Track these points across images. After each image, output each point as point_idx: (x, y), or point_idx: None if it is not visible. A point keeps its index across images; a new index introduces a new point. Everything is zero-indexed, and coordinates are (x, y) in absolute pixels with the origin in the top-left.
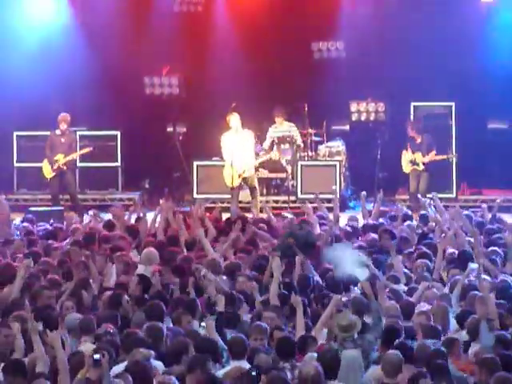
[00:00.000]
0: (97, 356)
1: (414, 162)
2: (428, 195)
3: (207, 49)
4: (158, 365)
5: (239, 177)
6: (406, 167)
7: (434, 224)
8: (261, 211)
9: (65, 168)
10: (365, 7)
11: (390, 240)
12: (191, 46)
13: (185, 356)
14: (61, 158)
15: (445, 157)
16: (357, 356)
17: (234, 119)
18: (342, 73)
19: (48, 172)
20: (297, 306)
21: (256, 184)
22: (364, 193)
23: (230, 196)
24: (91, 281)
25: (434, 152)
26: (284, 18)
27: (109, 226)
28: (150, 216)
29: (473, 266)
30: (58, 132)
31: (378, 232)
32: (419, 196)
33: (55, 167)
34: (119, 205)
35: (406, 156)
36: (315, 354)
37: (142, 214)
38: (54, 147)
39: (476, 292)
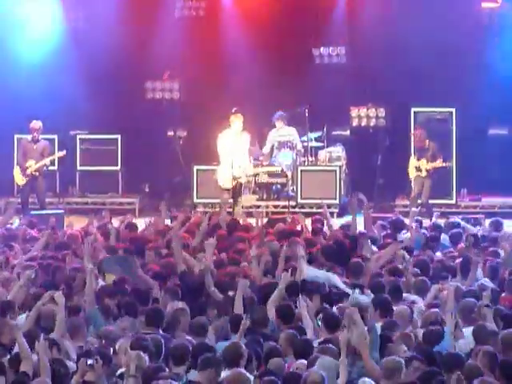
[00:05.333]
0: (90, 361)
1: (418, 168)
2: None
3: (208, 54)
4: None
5: (234, 180)
6: (411, 172)
7: None
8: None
9: (37, 174)
10: (367, 14)
11: None
12: (192, 50)
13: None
14: (32, 165)
15: (443, 164)
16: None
17: (237, 121)
18: (343, 78)
19: (19, 179)
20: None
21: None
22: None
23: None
24: None
25: (440, 160)
26: (285, 24)
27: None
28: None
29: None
30: (29, 138)
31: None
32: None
33: (28, 173)
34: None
35: (413, 162)
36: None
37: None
38: (26, 153)
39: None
